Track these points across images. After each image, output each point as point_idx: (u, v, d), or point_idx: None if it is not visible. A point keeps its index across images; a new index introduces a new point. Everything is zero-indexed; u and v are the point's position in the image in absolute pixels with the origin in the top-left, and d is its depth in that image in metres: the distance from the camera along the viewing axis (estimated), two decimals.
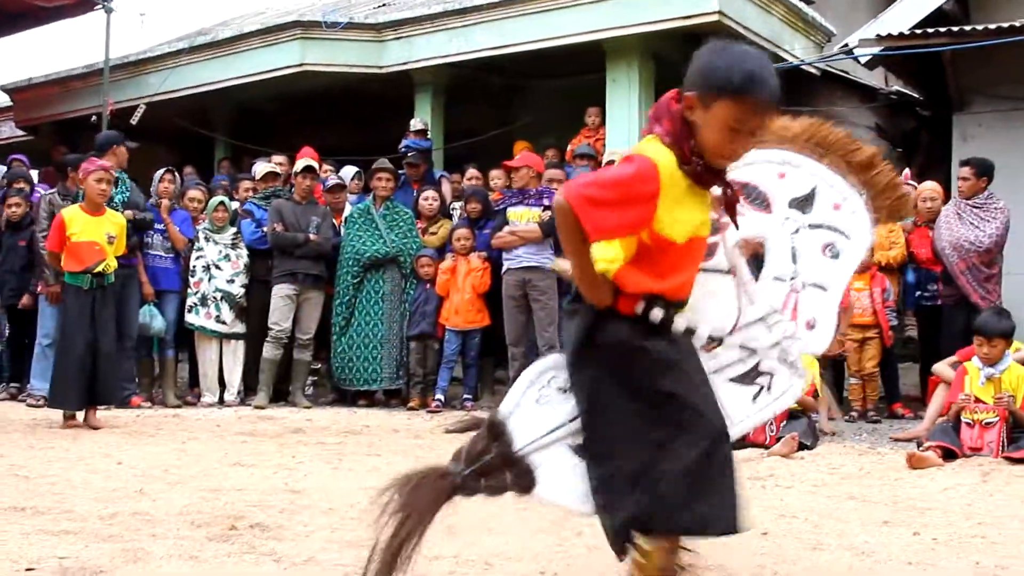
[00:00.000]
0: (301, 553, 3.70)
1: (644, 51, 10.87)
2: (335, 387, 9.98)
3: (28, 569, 3.36)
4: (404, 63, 12.16)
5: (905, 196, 3.43)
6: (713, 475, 2.75)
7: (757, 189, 3.30)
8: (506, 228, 9.10)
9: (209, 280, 9.54)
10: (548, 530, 4.03)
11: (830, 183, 3.32)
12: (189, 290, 9.61)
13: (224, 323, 9.56)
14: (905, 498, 5.12)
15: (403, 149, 10.89)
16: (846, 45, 10.72)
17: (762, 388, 3.14)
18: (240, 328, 9.67)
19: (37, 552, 3.58)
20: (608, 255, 2.77)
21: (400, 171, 10.49)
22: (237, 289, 9.60)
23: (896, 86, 12.90)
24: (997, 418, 6.34)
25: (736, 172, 3.16)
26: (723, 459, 2.79)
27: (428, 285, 9.55)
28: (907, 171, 9.57)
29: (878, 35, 9.95)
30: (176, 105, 13.68)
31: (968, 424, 6.44)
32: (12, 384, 10.15)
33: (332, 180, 10.39)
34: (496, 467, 2.96)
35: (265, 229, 9.63)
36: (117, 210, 8.49)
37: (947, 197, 8.83)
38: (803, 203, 3.30)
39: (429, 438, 7.31)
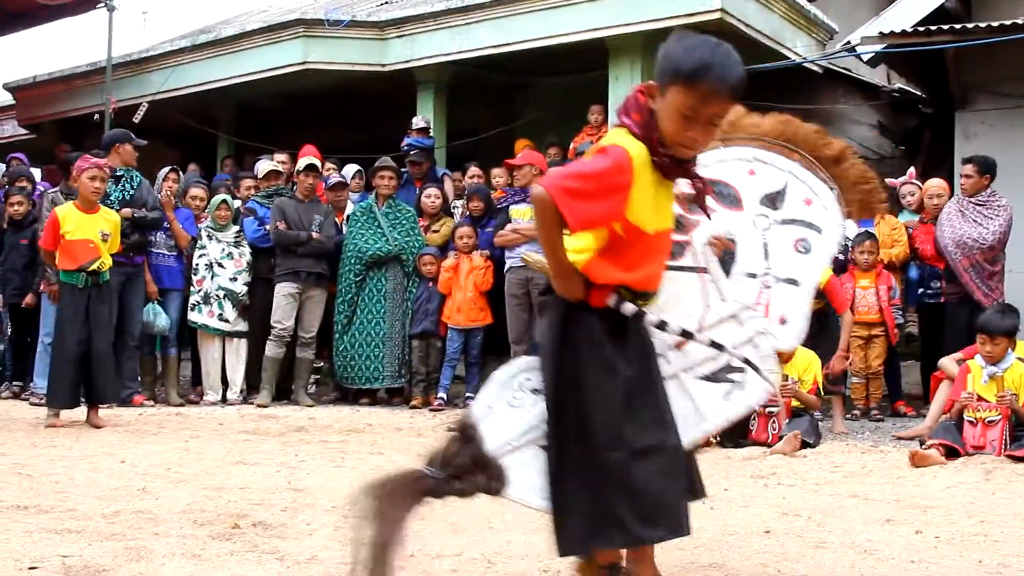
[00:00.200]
0: (304, 551, 3.71)
1: (647, 49, 10.85)
2: (337, 385, 9.99)
3: (31, 568, 3.36)
4: (406, 61, 12.17)
5: (875, 190, 3.43)
6: (659, 482, 2.76)
7: (728, 186, 3.30)
8: (508, 226, 9.04)
9: (212, 278, 9.54)
10: (551, 529, 4.03)
11: (801, 178, 3.33)
12: (192, 288, 9.62)
13: (227, 321, 9.57)
14: (908, 496, 5.12)
15: (405, 147, 10.90)
16: (848, 43, 10.70)
17: (734, 385, 3.14)
18: (243, 326, 9.68)
19: (40, 551, 3.59)
20: (579, 246, 2.80)
21: (402, 169, 10.49)
22: (240, 287, 9.60)
23: (898, 84, 12.91)
24: (1000, 416, 6.34)
25: (707, 170, 3.18)
26: (667, 466, 2.80)
27: (430, 283, 9.55)
28: (912, 170, 9.55)
29: (880, 32, 9.95)
30: (179, 103, 13.69)
31: (971, 422, 6.44)
32: (15, 383, 10.17)
33: (334, 178, 10.39)
34: (468, 469, 2.98)
35: (268, 227, 9.64)
36: (113, 208, 8.50)
37: (950, 195, 8.83)
38: (774, 199, 3.30)
39: (431, 436, 7.31)
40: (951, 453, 6.21)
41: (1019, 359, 6.58)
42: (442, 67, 12.13)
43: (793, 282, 3.23)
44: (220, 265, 9.57)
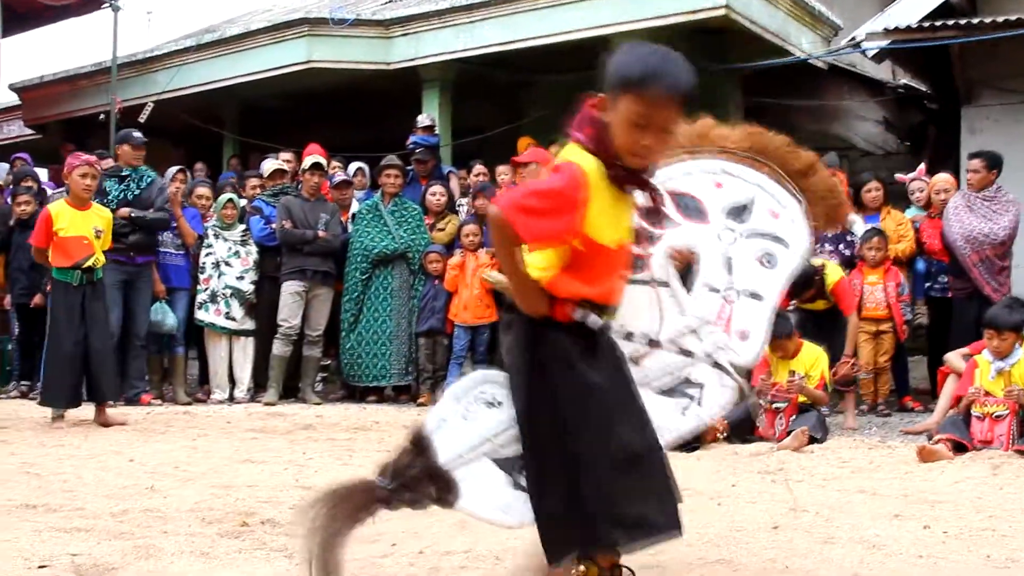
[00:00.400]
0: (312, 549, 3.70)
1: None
2: (344, 383, 10.00)
3: (41, 566, 3.37)
4: (411, 59, 12.18)
5: (842, 203, 3.43)
6: (642, 487, 2.78)
7: (693, 199, 3.28)
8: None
9: (219, 277, 9.56)
10: None
11: (768, 191, 3.31)
12: (199, 287, 9.63)
13: (234, 320, 9.59)
14: (916, 491, 5.11)
15: (411, 145, 10.90)
16: (853, 39, 10.71)
17: (691, 399, 3.14)
18: (250, 325, 9.69)
19: (49, 549, 3.59)
20: (541, 263, 2.81)
21: (408, 167, 10.50)
22: (247, 286, 9.62)
23: (904, 80, 12.88)
24: (1007, 411, 6.32)
25: (673, 182, 3.18)
26: (656, 468, 2.82)
27: (437, 281, 9.55)
28: (922, 166, 9.54)
29: (885, 28, 9.94)
30: (184, 103, 13.71)
31: (978, 417, 6.42)
32: (23, 382, 10.18)
33: (339, 177, 10.40)
34: (420, 480, 3.03)
35: (274, 226, 9.65)
36: (111, 207, 8.51)
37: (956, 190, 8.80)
38: (740, 212, 3.29)
39: None
40: (959, 448, 6.19)
41: None
42: (447, 65, 12.13)
43: (756, 296, 3.22)
44: (227, 264, 9.58)
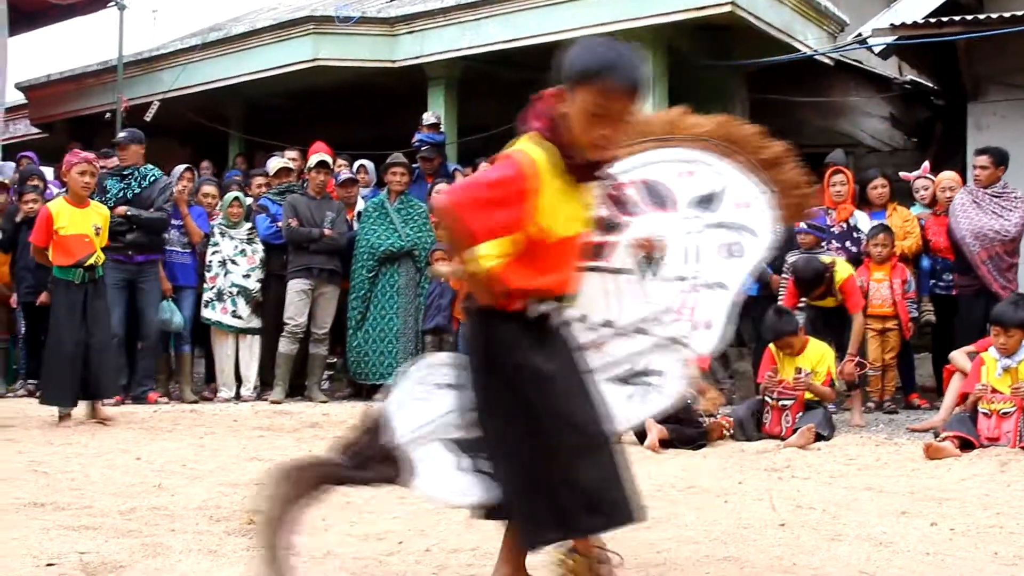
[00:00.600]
0: (320, 547, 3.72)
1: (657, 43, 10.85)
2: (351, 381, 10.00)
3: (49, 564, 3.38)
4: (417, 57, 12.18)
5: (808, 195, 3.43)
6: (605, 472, 2.79)
7: (660, 188, 3.29)
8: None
9: (225, 275, 9.57)
10: None
11: (737, 181, 3.31)
12: (205, 285, 9.65)
13: (240, 318, 9.59)
14: (922, 488, 5.11)
15: (416, 143, 10.90)
16: (860, 35, 10.69)
17: (647, 388, 3.15)
18: (256, 323, 9.70)
19: (57, 547, 3.61)
20: (491, 253, 2.83)
21: (414, 165, 10.50)
22: (253, 284, 9.62)
23: (910, 76, 12.87)
24: (1014, 408, 6.31)
25: (641, 171, 3.19)
26: (607, 458, 2.82)
27: (443, 279, 9.55)
28: (926, 164, 9.52)
29: (892, 24, 9.92)
30: (190, 101, 13.73)
31: (985, 414, 6.41)
32: (30, 381, 10.19)
33: (344, 175, 10.40)
34: (374, 459, 3.09)
35: (280, 224, 9.66)
36: (109, 204, 8.52)
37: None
38: (707, 202, 3.29)
39: None
40: (965, 445, 6.18)
41: None
42: (452, 63, 12.13)
43: (720, 286, 3.22)
44: (233, 262, 9.59)
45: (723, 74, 11.51)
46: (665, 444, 6.56)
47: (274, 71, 12.84)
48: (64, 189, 9.87)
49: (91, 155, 8.07)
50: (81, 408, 7.76)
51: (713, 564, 3.50)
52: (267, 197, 10.04)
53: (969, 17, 9.63)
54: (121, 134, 9.61)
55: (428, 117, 11.34)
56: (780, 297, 8.14)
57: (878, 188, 8.87)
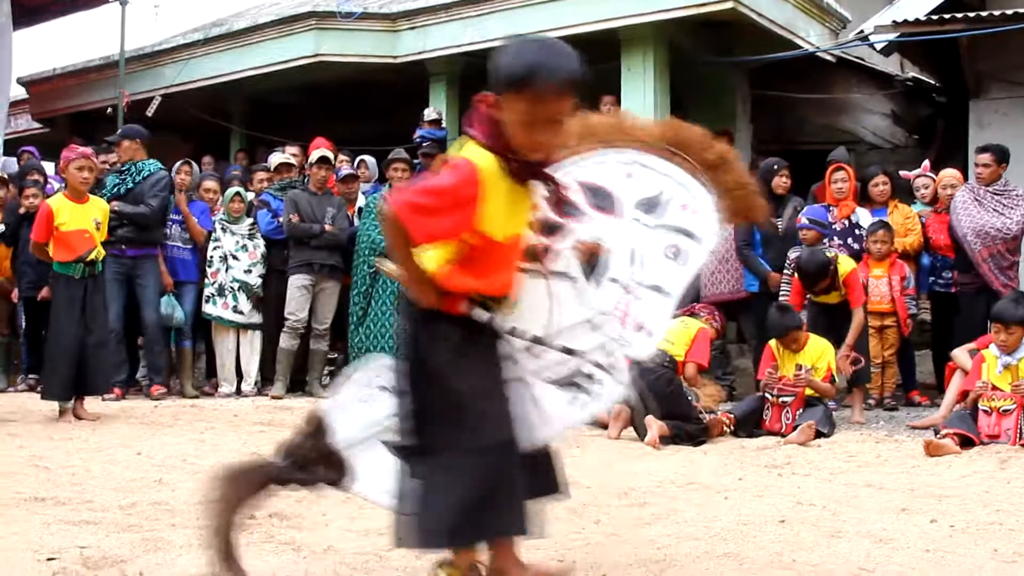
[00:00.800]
0: (320, 542, 3.73)
1: (659, 39, 10.85)
2: None
3: (50, 559, 3.38)
4: (419, 53, 12.16)
5: (753, 196, 3.39)
6: (500, 484, 2.82)
7: (603, 190, 3.25)
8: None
9: (226, 270, 9.57)
10: (566, 518, 4.05)
11: (681, 183, 3.27)
12: (206, 281, 9.65)
13: (241, 313, 9.60)
14: (922, 485, 5.11)
15: (418, 139, 10.89)
16: (862, 32, 10.68)
17: (583, 391, 3.13)
18: (257, 318, 9.70)
19: (58, 542, 3.61)
20: (431, 257, 2.85)
21: (415, 161, 10.50)
22: (254, 279, 9.63)
23: (912, 73, 12.86)
24: (1015, 405, 6.32)
25: (584, 173, 3.17)
26: (506, 468, 2.84)
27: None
28: (926, 162, 9.52)
29: (894, 21, 9.91)
30: (191, 97, 13.72)
31: (985, 411, 6.42)
32: (31, 375, 10.20)
33: (345, 170, 10.40)
34: (313, 460, 3.11)
35: (280, 220, 9.66)
36: (106, 198, 8.53)
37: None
38: (650, 204, 3.25)
39: None
40: (966, 442, 6.19)
41: None
42: (454, 59, 12.11)
43: (658, 290, 3.18)
44: (234, 257, 9.60)
45: (725, 71, 11.50)
46: (665, 440, 6.56)
47: (276, 66, 12.82)
48: (64, 184, 9.91)
49: (89, 150, 8.06)
50: (88, 404, 7.76)
51: (713, 560, 3.51)
52: (269, 192, 10.04)
53: (971, 14, 9.62)
54: (119, 130, 9.63)
55: (430, 113, 11.34)
56: (783, 296, 8.13)
57: (879, 185, 8.86)
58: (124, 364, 9.23)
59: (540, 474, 3.08)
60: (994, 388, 6.47)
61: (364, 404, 3.17)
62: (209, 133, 14.54)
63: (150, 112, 13.07)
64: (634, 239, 3.21)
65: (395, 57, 12.33)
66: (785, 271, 8.30)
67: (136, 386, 9.53)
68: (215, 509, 3.04)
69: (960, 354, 7.25)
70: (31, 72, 15.76)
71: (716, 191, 3.27)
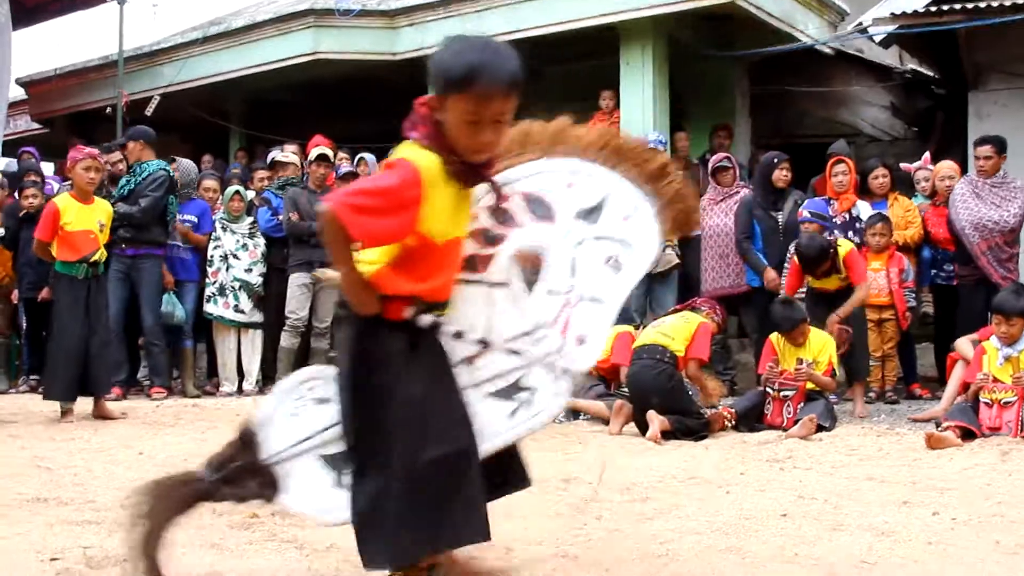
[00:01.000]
0: (323, 540, 3.72)
1: (658, 33, 10.84)
2: None
3: (53, 559, 3.39)
4: (417, 50, 12.14)
5: (692, 208, 3.35)
6: (453, 492, 2.78)
7: (542, 199, 3.21)
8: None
9: (227, 269, 9.58)
10: (567, 514, 4.04)
11: (621, 193, 3.23)
12: (207, 280, 9.66)
13: (242, 312, 9.61)
14: (924, 478, 5.11)
15: None
16: (860, 24, 10.66)
17: (521, 404, 3.07)
18: (258, 317, 9.71)
19: (61, 542, 3.61)
20: (372, 258, 2.80)
21: None
22: (255, 278, 9.64)
23: (911, 65, 12.84)
24: (1016, 398, 6.32)
25: (523, 182, 3.15)
26: (463, 475, 2.81)
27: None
28: (927, 155, 9.51)
29: (892, 13, 9.90)
30: (190, 96, 13.73)
31: (987, 404, 6.42)
32: (32, 376, 10.21)
33: (345, 168, 10.40)
34: (242, 475, 3.05)
35: (280, 218, 9.66)
36: (112, 200, 8.54)
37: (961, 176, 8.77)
38: (590, 214, 3.20)
39: None
40: (967, 435, 6.19)
41: None
42: None
43: (597, 300, 3.12)
44: (235, 256, 9.60)
45: (724, 64, 11.50)
46: (667, 435, 6.56)
47: (275, 65, 12.83)
48: (66, 183, 9.93)
49: (95, 150, 8.08)
50: (82, 404, 7.74)
51: (715, 555, 3.51)
52: (270, 190, 10.05)
53: (969, 5, 9.60)
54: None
55: None
56: (782, 286, 8.13)
57: (879, 178, 8.86)
58: (124, 364, 9.23)
59: (503, 469, 3.05)
60: (995, 380, 6.47)
61: (294, 416, 3.08)
62: (208, 132, 14.54)
63: (149, 111, 13.07)
64: (573, 249, 3.16)
65: (394, 54, 12.34)
66: (786, 266, 8.28)
67: (137, 386, 9.54)
68: (140, 526, 2.97)
69: (963, 343, 7.24)
70: (30, 72, 15.77)
71: (657, 201, 3.22)
